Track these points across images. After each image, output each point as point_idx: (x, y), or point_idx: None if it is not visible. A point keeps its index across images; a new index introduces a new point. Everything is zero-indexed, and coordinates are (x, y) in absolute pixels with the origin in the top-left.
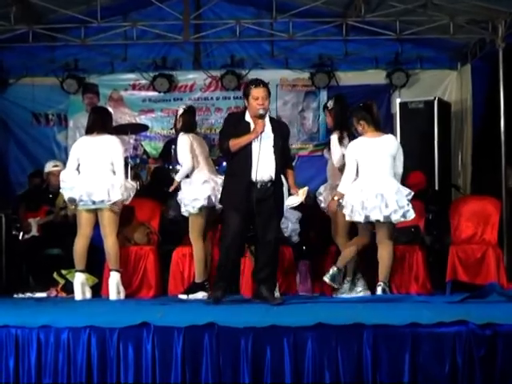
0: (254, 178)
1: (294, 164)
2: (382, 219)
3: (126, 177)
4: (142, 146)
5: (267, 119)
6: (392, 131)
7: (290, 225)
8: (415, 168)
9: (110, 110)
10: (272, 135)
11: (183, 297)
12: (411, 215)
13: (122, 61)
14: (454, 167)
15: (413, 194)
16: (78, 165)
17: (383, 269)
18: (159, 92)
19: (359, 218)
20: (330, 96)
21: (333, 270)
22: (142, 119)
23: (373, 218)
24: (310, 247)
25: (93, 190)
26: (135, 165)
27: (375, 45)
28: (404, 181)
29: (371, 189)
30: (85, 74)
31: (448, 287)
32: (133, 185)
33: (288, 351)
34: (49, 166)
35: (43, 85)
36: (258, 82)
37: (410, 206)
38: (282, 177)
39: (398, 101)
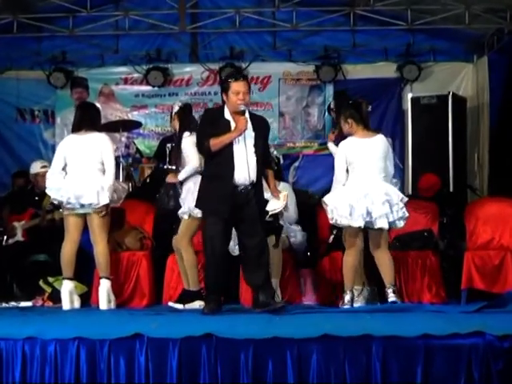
0: (236, 181)
1: (298, 164)
2: (387, 226)
3: (118, 177)
4: (134, 144)
5: (247, 115)
6: (403, 128)
7: (299, 236)
8: (428, 169)
9: (99, 105)
10: (253, 134)
11: (179, 306)
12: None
13: (113, 53)
14: (469, 167)
15: (406, 199)
16: (65, 165)
17: (389, 271)
18: (153, 86)
19: (359, 223)
20: (336, 91)
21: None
22: (135, 116)
23: (379, 225)
24: (314, 253)
25: (81, 192)
26: (127, 164)
27: (385, 36)
28: (416, 184)
29: (376, 194)
30: (73, 67)
31: (463, 296)
32: (124, 186)
33: (291, 365)
34: (36, 167)
35: (29, 79)
36: (238, 75)
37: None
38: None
39: (409, 96)
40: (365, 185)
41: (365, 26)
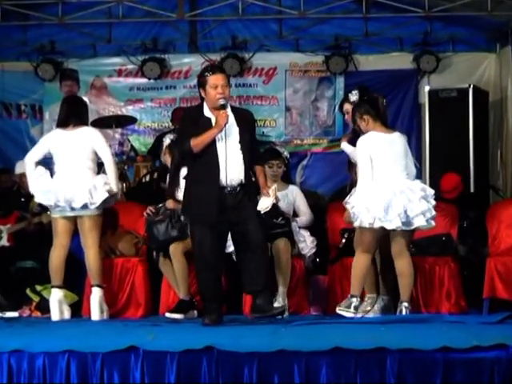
0: (222, 182)
1: (306, 163)
2: (426, 225)
3: None
4: (129, 141)
5: (228, 110)
6: (419, 124)
7: (308, 241)
8: (447, 168)
9: (88, 99)
10: (237, 128)
11: (179, 316)
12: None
13: (105, 43)
14: (492, 166)
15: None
16: (47, 161)
17: (407, 285)
18: (149, 79)
19: (395, 224)
20: (348, 84)
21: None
22: (129, 110)
23: (416, 224)
24: (324, 259)
25: (71, 195)
26: (121, 162)
27: (400, 24)
28: (434, 184)
29: (411, 192)
30: (63, 58)
31: (485, 306)
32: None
33: (299, 380)
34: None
35: (14, 71)
36: (215, 68)
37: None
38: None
39: (426, 88)
40: (395, 181)
41: (378, 14)
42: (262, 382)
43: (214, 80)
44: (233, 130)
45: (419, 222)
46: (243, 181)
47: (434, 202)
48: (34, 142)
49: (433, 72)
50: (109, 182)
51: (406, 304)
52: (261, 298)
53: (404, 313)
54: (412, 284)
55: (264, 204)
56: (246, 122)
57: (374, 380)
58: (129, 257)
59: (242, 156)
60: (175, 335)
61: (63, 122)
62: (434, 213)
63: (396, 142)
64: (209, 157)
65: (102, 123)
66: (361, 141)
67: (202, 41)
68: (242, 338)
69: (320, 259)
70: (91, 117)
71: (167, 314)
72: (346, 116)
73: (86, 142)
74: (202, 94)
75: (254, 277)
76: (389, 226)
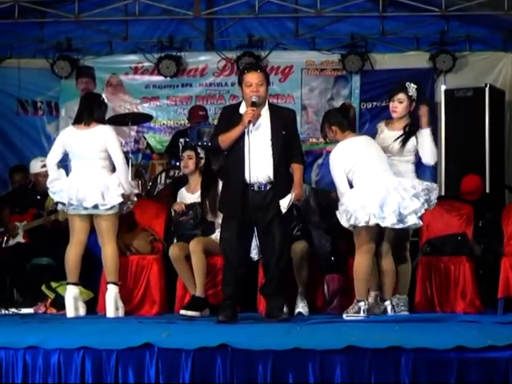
0: (248, 179)
1: (321, 161)
2: (419, 223)
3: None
4: (144, 139)
5: (266, 108)
6: (435, 123)
7: (323, 240)
8: (462, 167)
9: (104, 96)
10: (270, 126)
11: (195, 314)
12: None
13: (121, 40)
14: (508, 165)
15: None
16: (63, 158)
17: (390, 284)
18: (165, 76)
19: (391, 220)
20: (363, 82)
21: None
22: (145, 108)
23: (410, 222)
24: (339, 258)
25: (83, 194)
26: (138, 164)
27: (416, 22)
28: (449, 184)
29: (403, 191)
30: (79, 56)
31: (500, 305)
32: (133, 186)
33: (313, 378)
34: (36, 166)
35: (31, 68)
36: (251, 66)
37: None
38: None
39: (442, 88)
40: (386, 179)
41: (394, 12)
42: (277, 380)
43: (249, 78)
44: (265, 127)
45: (412, 220)
46: (271, 179)
47: (424, 198)
48: (49, 139)
49: (449, 71)
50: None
51: (389, 302)
52: (271, 302)
53: (390, 312)
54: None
55: (284, 203)
56: (282, 120)
57: (389, 379)
58: (144, 254)
59: (271, 154)
60: (190, 333)
61: (76, 120)
62: (423, 211)
63: (372, 142)
64: (237, 153)
65: (118, 121)
66: (332, 154)
67: (219, 39)
68: (256, 336)
69: (335, 258)
70: (107, 114)
71: (182, 311)
72: (397, 104)
73: (99, 140)
74: (241, 92)
75: (268, 280)
76: (383, 223)
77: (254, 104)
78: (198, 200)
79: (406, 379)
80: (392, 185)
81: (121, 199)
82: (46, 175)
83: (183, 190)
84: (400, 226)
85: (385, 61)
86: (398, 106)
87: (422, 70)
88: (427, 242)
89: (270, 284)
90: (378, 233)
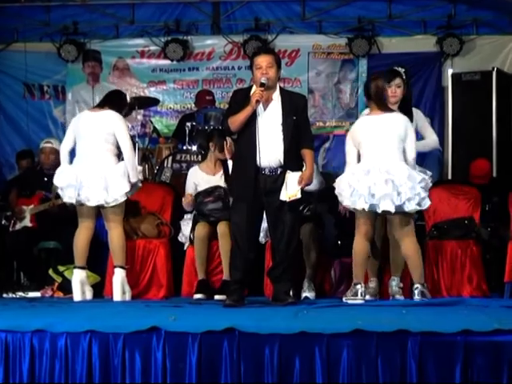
0: (260, 163)
1: (328, 145)
2: (393, 210)
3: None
4: (151, 123)
5: (277, 93)
6: (442, 107)
7: (329, 224)
8: (470, 151)
9: (113, 80)
10: (281, 110)
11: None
12: (426, 203)
13: (128, 24)
14: None
15: (428, 180)
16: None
17: (414, 268)
18: (172, 60)
19: (363, 205)
20: (370, 66)
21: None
22: (152, 92)
23: (382, 208)
24: (346, 242)
25: (88, 194)
26: (145, 148)
27: (424, 6)
28: (459, 168)
29: (379, 173)
30: (85, 39)
31: (507, 289)
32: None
33: (320, 362)
34: (41, 144)
35: (37, 51)
36: (262, 49)
37: (427, 193)
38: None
39: (450, 72)
40: (368, 164)
41: None
42: (283, 363)
43: (259, 61)
44: (276, 111)
45: (385, 205)
46: (282, 163)
47: (410, 184)
48: (56, 123)
49: (456, 55)
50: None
51: (418, 288)
52: (278, 286)
53: (417, 296)
54: (421, 266)
55: (291, 190)
56: (293, 105)
57: (395, 362)
58: (151, 238)
59: (282, 137)
60: (197, 316)
61: (94, 106)
62: (410, 196)
63: (386, 122)
64: (247, 137)
65: None
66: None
67: (225, 22)
68: (263, 319)
69: (342, 242)
70: None
71: (217, 297)
72: (396, 89)
73: (107, 123)
74: (253, 76)
75: (276, 264)
76: (357, 207)
77: (262, 85)
78: (220, 182)
79: (413, 363)
80: (367, 168)
81: (125, 196)
82: (47, 152)
83: (197, 168)
84: (397, 210)
85: (392, 44)
86: (397, 90)
87: (429, 53)
88: (434, 226)
89: (278, 267)
90: (374, 217)
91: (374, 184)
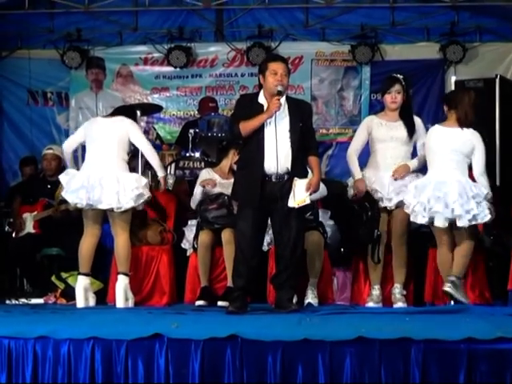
0: (267, 169)
1: (331, 152)
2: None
3: (137, 167)
4: (154, 129)
5: (283, 99)
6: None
7: (333, 232)
8: None
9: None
10: (288, 118)
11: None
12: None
13: (131, 31)
14: None
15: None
16: (80, 147)
17: (457, 264)
18: (175, 67)
19: (442, 223)
20: (374, 73)
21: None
22: (155, 99)
23: (436, 223)
24: (348, 249)
25: (98, 197)
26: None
27: (427, 13)
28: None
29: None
30: (89, 46)
31: (510, 297)
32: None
33: (323, 369)
34: (43, 151)
35: (41, 58)
36: (277, 57)
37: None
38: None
39: (453, 79)
40: (437, 175)
41: (405, 3)
42: (286, 370)
43: (275, 66)
44: (284, 118)
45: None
46: (289, 169)
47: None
48: (59, 130)
49: (459, 62)
50: (141, 184)
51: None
52: (281, 293)
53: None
54: (465, 265)
55: (299, 196)
56: (299, 112)
57: (398, 370)
58: (154, 245)
59: (289, 145)
60: (199, 323)
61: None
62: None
63: (455, 137)
64: (255, 143)
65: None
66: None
67: (228, 30)
68: (266, 326)
69: (345, 250)
70: (117, 104)
71: (220, 303)
72: (396, 95)
73: (119, 128)
74: (261, 81)
75: (280, 271)
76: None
77: (279, 93)
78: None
79: (416, 370)
80: (454, 180)
81: (135, 203)
82: (49, 158)
83: (210, 170)
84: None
85: (395, 52)
86: (398, 96)
87: (432, 60)
88: None
89: (281, 274)
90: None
91: (452, 201)
